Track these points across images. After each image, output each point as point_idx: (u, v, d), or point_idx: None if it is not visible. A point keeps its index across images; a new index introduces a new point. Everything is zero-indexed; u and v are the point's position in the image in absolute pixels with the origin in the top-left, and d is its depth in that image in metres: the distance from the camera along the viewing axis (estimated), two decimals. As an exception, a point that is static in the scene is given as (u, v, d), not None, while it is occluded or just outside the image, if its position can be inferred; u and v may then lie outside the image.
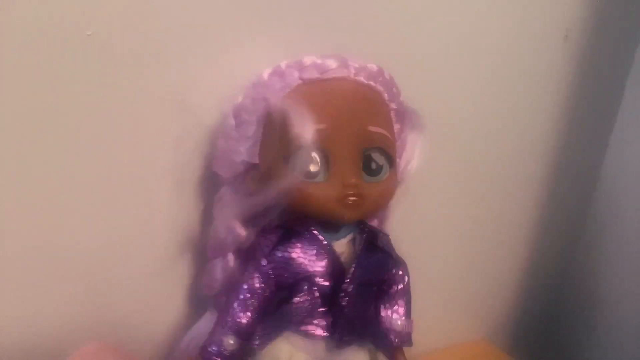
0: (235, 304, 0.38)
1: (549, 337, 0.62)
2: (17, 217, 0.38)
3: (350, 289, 0.37)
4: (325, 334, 0.37)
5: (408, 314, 0.42)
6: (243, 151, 0.39)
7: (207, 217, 0.43)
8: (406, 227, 0.44)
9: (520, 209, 0.56)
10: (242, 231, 0.40)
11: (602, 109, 0.54)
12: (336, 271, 0.38)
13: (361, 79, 0.39)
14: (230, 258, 0.41)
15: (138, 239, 0.42)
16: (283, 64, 0.39)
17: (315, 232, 0.38)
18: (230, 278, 0.41)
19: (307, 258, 0.38)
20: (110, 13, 0.36)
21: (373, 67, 0.40)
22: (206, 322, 0.42)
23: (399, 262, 0.42)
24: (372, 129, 0.38)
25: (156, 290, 0.44)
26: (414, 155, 0.42)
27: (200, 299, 0.44)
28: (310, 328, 0.37)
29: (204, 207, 0.43)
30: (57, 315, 0.41)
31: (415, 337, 0.42)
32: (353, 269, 0.38)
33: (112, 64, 0.37)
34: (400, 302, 0.42)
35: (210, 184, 0.42)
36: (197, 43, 0.39)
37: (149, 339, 0.45)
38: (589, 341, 0.57)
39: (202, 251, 0.43)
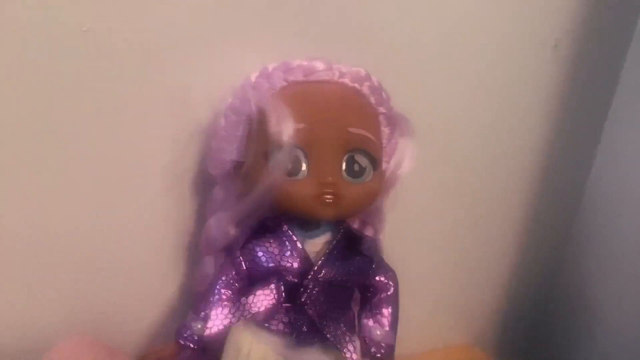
0: (210, 294, 0.39)
1: (535, 342, 0.59)
2: (9, 211, 0.41)
3: (311, 286, 0.37)
4: (285, 330, 0.37)
5: (391, 325, 0.41)
6: (233, 150, 0.41)
7: (200, 215, 0.45)
8: (393, 230, 0.43)
9: (508, 213, 0.54)
10: (232, 229, 0.42)
11: (590, 117, 0.51)
12: (305, 269, 0.38)
13: (346, 81, 0.40)
14: (222, 255, 0.43)
15: (131, 235, 0.44)
16: (270, 67, 0.41)
17: (286, 228, 0.39)
18: None
19: (278, 254, 0.38)
20: (106, 9, 0.38)
21: (360, 71, 0.40)
22: None
23: (383, 269, 0.41)
24: (353, 130, 0.38)
25: (147, 286, 0.46)
26: (404, 159, 0.41)
27: (190, 296, 0.45)
28: (273, 322, 0.38)
29: (197, 205, 0.45)
30: (46, 308, 0.43)
31: (401, 340, 0.40)
32: (316, 267, 0.38)
33: (107, 60, 0.39)
34: (384, 311, 0.41)
35: (205, 183, 0.44)
36: (194, 43, 0.41)
37: (137, 334, 0.47)
38: (576, 346, 0.54)
39: (194, 248, 0.45)
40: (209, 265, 0.43)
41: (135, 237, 0.44)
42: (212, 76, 0.42)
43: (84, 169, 0.42)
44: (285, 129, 0.36)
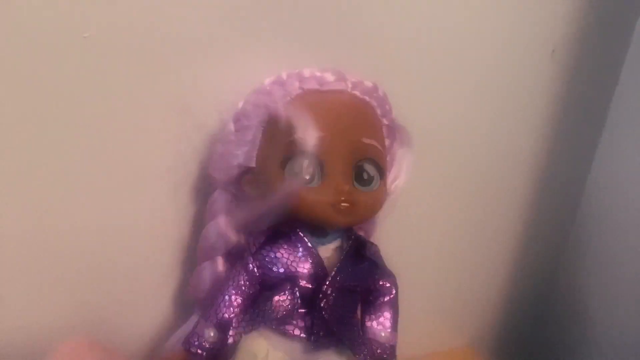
0: (220, 300, 0.39)
1: (534, 345, 0.61)
2: (10, 214, 0.40)
3: (329, 292, 0.38)
4: (302, 335, 0.38)
5: (394, 326, 0.42)
6: (240, 155, 0.41)
7: (200, 220, 0.44)
8: (392, 234, 0.45)
9: (507, 217, 0.56)
10: (232, 235, 0.42)
11: (588, 122, 0.54)
12: (319, 275, 0.39)
13: (357, 93, 0.41)
14: (220, 262, 0.43)
15: (132, 237, 0.43)
16: (284, 74, 0.41)
17: (301, 234, 0.39)
18: (217, 282, 0.42)
19: (292, 259, 0.39)
20: (107, 15, 0.37)
21: (368, 83, 0.42)
22: (192, 324, 0.44)
23: (386, 274, 0.43)
24: (366, 140, 0.39)
25: (148, 288, 0.45)
26: (402, 170, 0.43)
27: (188, 301, 0.45)
28: (289, 328, 0.38)
29: (197, 210, 0.44)
30: (47, 311, 0.42)
31: (401, 343, 0.42)
32: (334, 273, 0.39)
33: (109, 67, 0.39)
34: (387, 314, 0.42)
35: (205, 187, 0.43)
36: (196, 48, 0.41)
37: (136, 337, 0.46)
38: (575, 350, 0.56)
39: (194, 254, 0.44)
40: (205, 271, 0.43)
41: (137, 239, 0.43)
42: (218, 81, 0.42)
43: (87, 172, 0.40)
44: (310, 136, 0.36)
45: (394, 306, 0.43)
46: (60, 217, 0.41)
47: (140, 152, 0.42)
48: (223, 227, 0.42)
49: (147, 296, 0.45)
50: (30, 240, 0.40)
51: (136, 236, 0.43)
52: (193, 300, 0.44)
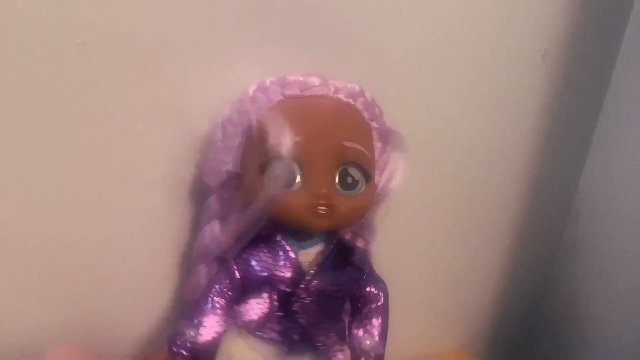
0: (203, 302, 0.40)
1: (527, 347, 0.60)
2: (5, 221, 0.41)
3: (303, 296, 0.38)
4: (278, 338, 0.38)
5: (381, 335, 0.41)
6: (229, 161, 0.42)
7: (195, 224, 0.45)
8: (385, 237, 0.44)
9: (499, 219, 0.55)
10: (225, 239, 0.43)
11: (580, 127, 0.53)
12: (298, 279, 0.39)
13: (340, 96, 0.41)
14: (214, 264, 0.43)
15: (125, 242, 0.45)
16: (268, 81, 0.42)
17: (279, 238, 0.39)
18: None
19: (272, 263, 0.39)
20: (100, 22, 0.39)
21: (355, 87, 0.41)
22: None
23: (374, 280, 0.42)
24: (348, 144, 0.39)
25: (141, 294, 0.46)
26: (395, 174, 0.43)
27: (184, 304, 0.46)
28: (265, 331, 0.38)
29: (193, 214, 0.46)
30: (39, 316, 0.44)
31: (392, 346, 0.41)
32: (309, 277, 0.38)
33: (101, 73, 0.40)
34: (374, 322, 0.41)
35: (200, 192, 0.44)
36: (189, 54, 0.42)
37: (129, 342, 0.47)
38: (568, 352, 0.55)
39: (189, 257, 0.45)
40: (202, 274, 0.44)
41: (130, 244, 0.45)
42: (210, 88, 0.43)
43: (81, 177, 0.42)
44: (284, 141, 0.37)
45: (382, 314, 0.42)
46: (54, 223, 0.42)
47: (135, 158, 0.43)
48: (217, 231, 0.44)
49: (141, 301, 0.47)
50: (24, 246, 0.42)
51: (130, 242, 0.45)
52: (190, 302, 0.46)
